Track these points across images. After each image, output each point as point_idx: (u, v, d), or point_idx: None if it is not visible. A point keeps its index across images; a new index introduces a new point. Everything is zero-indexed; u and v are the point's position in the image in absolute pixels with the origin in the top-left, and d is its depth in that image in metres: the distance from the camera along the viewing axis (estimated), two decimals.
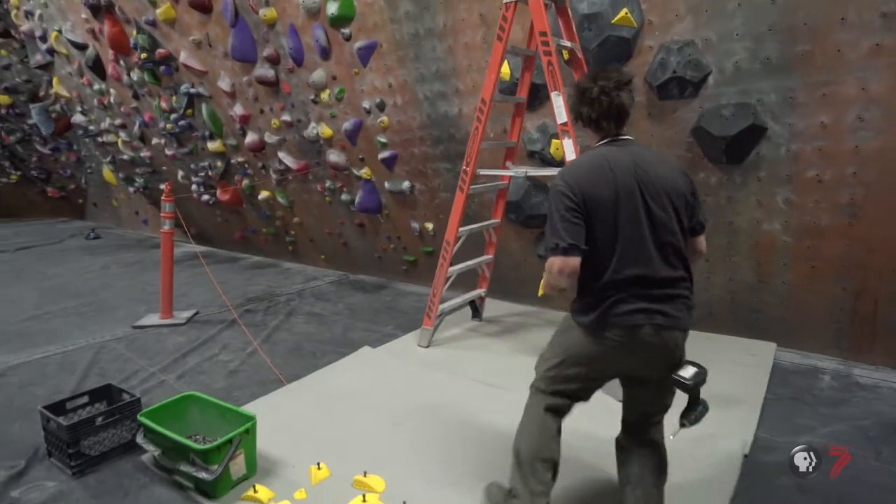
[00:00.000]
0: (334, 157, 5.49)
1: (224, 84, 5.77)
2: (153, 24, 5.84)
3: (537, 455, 1.84)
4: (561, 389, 1.89)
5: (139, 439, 2.46)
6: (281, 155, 5.95)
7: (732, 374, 3.28)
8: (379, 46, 4.64)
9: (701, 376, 1.74)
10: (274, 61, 5.27)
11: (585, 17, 3.56)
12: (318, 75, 5.05)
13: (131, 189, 8.67)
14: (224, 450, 2.22)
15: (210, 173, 6.92)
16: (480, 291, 4.54)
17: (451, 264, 4.00)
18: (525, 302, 4.92)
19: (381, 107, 4.90)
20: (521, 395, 2.75)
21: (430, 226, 5.39)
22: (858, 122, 3.14)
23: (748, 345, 3.82)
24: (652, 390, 1.87)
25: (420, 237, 5.53)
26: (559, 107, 3.05)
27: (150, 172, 8.06)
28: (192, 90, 6.10)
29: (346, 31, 4.70)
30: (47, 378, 3.47)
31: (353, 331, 4.35)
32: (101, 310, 5.01)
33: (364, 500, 2.13)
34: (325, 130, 5.36)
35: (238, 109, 5.89)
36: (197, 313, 4.79)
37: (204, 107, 6.23)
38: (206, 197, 7.22)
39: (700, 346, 3.66)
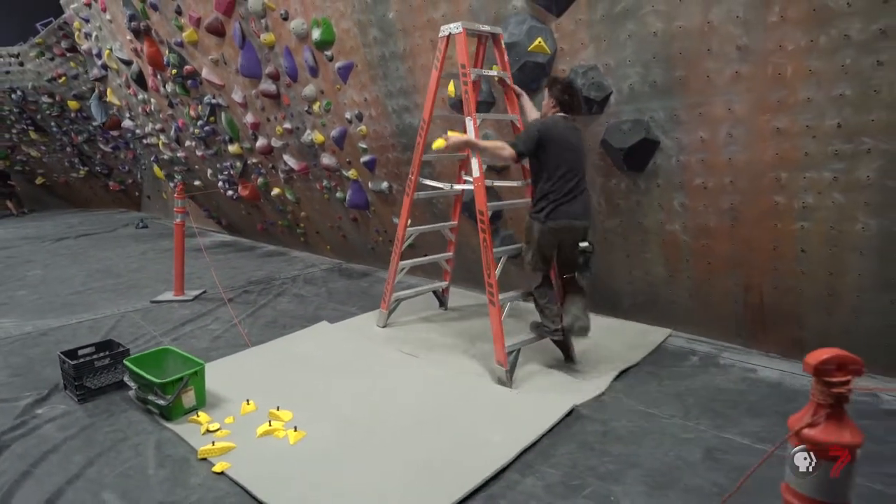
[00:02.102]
0: (327, 159, 6.29)
1: (237, 96, 6.68)
2: (181, 45, 6.82)
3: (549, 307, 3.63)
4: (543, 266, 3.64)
5: (125, 378, 3.33)
6: (285, 157, 6.82)
7: (616, 352, 3.84)
8: (355, 66, 5.38)
9: (592, 247, 3.53)
10: (275, 77, 6.11)
11: (506, 46, 4.15)
12: (310, 90, 5.85)
13: (171, 184, 9.85)
14: (176, 384, 3.04)
15: (232, 172, 7.91)
16: (442, 284, 5.19)
17: (415, 257, 4.69)
18: None
19: (360, 118, 5.64)
20: (435, 368, 3.51)
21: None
22: (729, 138, 3.61)
23: (647, 330, 4.34)
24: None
25: None
26: (470, 130, 3.64)
27: (185, 170, 9.18)
28: (214, 101, 7.06)
29: (329, 53, 5.46)
30: (77, 338, 4.44)
31: (323, 310, 5.14)
32: (131, 287, 6.04)
33: (269, 425, 2.89)
34: (318, 137, 6.16)
35: (249, 118, 6.80)
36: (204, 292, 5.72)
37: (223, 115, 7.19)
38: (230, 192, 8.23)
39: (607, 331, 4.25)
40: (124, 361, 3.31)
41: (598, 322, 4.55)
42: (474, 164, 3.63)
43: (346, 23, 5.21)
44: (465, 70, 3.67)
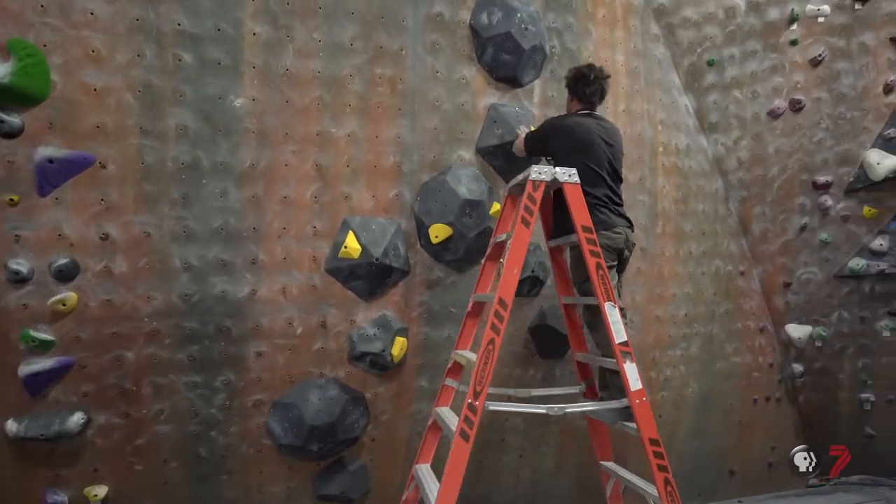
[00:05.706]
0: None
1: None
2: None
3: None
4: None
5: None
6: None
7: None
8: (97, 167, 2.50)
9: None
10: None
11: (467, 203, 3.16)
12: None
13: None
14: None
15: None
16: None
17: None
18: None
19: (68, 274, 2.51)
20: None
21: (101, 492, 2.89)
22: (631, 323, 4.04)
23: None
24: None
25: None
26: (616, 322, 2.38)
27: None
28: None
29: (17, 120, 2.32)
30: None
31: None
32: None
33: None
34: None
35: None
36: None
37: None
38: None
39: None
40: None
41: None
42: (631, 370, 2.41)
43: (101, 76, 2.48)
44: (591, 236, 2.48)
